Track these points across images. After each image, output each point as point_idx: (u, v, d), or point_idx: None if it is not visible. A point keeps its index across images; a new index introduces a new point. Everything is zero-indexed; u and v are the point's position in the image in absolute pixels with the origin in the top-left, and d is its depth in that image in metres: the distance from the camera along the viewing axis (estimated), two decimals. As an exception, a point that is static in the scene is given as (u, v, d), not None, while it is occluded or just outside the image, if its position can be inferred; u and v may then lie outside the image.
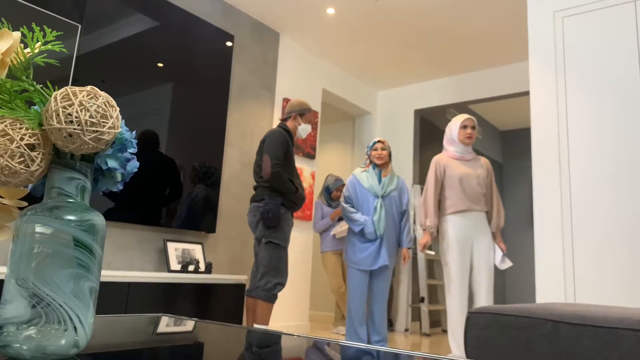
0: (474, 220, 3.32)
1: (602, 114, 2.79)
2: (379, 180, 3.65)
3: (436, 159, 3.47)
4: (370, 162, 3.72)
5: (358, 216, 3.56)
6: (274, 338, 0.88)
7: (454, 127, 3.47)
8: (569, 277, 2.73)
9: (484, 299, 3.24)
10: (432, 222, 3.37)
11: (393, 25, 4.71)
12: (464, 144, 3.42)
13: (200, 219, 3.90)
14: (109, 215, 3.31)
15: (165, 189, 3.67)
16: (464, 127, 3.42)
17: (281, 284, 3.18)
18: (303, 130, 3.49)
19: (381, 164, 3.68)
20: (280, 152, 3.24)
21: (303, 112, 3.48)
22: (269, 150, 3.23)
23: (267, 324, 3.12)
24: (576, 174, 2.82)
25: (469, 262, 3.30)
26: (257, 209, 3.22)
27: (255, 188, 3.36)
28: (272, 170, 3.17)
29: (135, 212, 3.46)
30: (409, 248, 3.64)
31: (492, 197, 3.45)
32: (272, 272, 3.14)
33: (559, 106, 2.93)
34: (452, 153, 3.46)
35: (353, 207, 3.63)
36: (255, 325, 3.08)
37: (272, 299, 3.13)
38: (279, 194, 3.23)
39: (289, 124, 3.47)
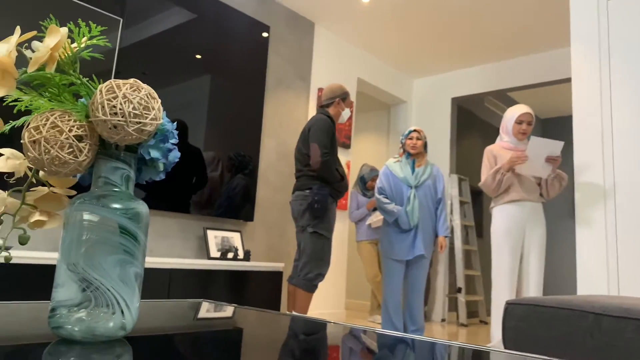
0: (528, 210, 3.24)
1: (650, 100, 2.68)
2: (412, 170, 3.61)
3: (488, 149, 3.38)
4: (404, 151, 3.68)
5: (392, 207, 3.54)
6: (311, 325, 0.89)
7: (509, 119, 3.36)
8: (612, 269, 2.65)
9: (531, 291, 3.18)
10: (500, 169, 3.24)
11: (428, 12, 4.63)
12: (517, 138, 3.33)
13: (238, 207, 3.97)
14: (151, 204, 3.40)
15: (193, 178, 3.74)
16: (519, 122, 3.32)
17: (322, 275, 3.17)
18: (346, 114, 3.46)
19: (415, 154, 3.63)
20: (327, 140, 3.19)
21: (345, 97, 3.44)
22: (316, 138, 3.17)
23: (305, 313, 3.11)
24: (620, 163, 2.72)
25: (520, 252, 3.23)
26: (304, 198, 3.18)
27: (298, 177, 3.31)
28: (322, 159, 3.13)
29: (176, 201, 3.54)
30: (445, 237, 3.60)
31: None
32: (314, 262, 3.14)
33: (603, 93, 2.83)
34: (505, 143, 3.38)
35: (387, 197, 3.61)
36: (294, 313, 3.08)
37: (312, 289, 3.14)
38: (326, 183, 3.20)
39: (332, 110, 3.41)
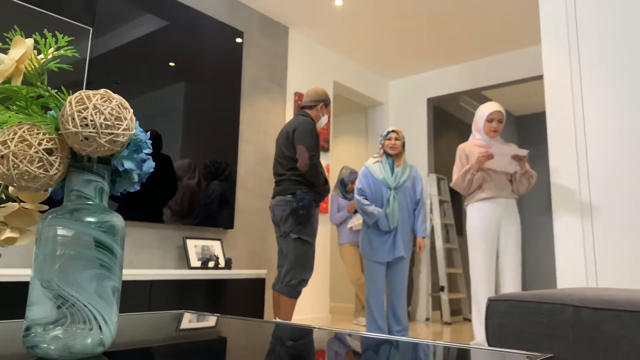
0: (502, 206, 3.28)
1: (619, 96, 2.74)
2: (392, 172, 3.63)
3: (461, 147, 3.43)
4: (384, 152, 3.70)
5: (372, 209, 3.54)
6: (296, 331, 0.88)
7: (480, 117, 3.40)
8: (590, 262, 2.70)
9: (510, 285, 3.22)
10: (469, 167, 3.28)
11: (402, 14, 4.67)
12: (488, 136, 3.38)
13: (218, 215, 3.93)
14: (128, 216, 3.35)
15: (165, 187, 3.70)
16: (490, 120, 3.36)
17: (305, 280, 3.14)
18: (324, 120, 3.44)
19: (394, 154, 3.65)
20: (313, 142, 3.14)
21: (328, 103, 3.42)
22: (303, 140, 3.10)
23: (289, 319, 3.11)
24: (594, 157, 2.78)
25: (496, 248, 3.28)
26: (287, 203, 3.12)
27: (280, 181, 3.24)
28: (310, 161, 3.07)
29: (152, 211, 3.50)
30: (424, 237, 3.62)
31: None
32: (298, 268, 3.10)
33: (574, 89, 2.89)
34: (477, 141, 3.42)
35: (367, 199, 3.62)
36: (278, 320, 3.02)
37: (295, 295, 3.11)
38: (310, 188, 3.15)
39: (312, 113, 3.35)
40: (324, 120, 3.43)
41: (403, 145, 3.69)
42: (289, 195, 3.14)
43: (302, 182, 3.16)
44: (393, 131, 3.66)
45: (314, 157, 3.10)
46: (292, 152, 3.18)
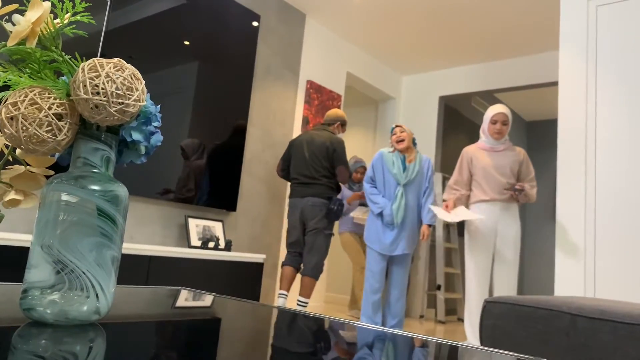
0: (499, 209, 3.28)
1: (633, 108, 2.71)
2: (404, 167, 3.58)
3: (465, 150, 3.45)
4: (395, 149, 3.67)
5: (379, 199, 3.52)
6: (290, 316, 0.89)
7: (486, 119, 3.41)
8: (590, 272, 2.69)
9: (504, 289, 3.22)
10: (457, 196, 3.39)
11: (420, 10, 4.63)
12: (493, 138, 3.37)
13: (221, 197, 3.94)
14: (132, 189, 3.36)
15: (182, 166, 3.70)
16: (493, 122, 3.35)
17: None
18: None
19: (403, 148, 3.59)
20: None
21: (344, 124, 4.08)
22: (344, 162, 3.84)
23: (309, 297, 3.79)
24: (602, 168, 2.76)
25: (492, 251, 3.27)
26: (324, 205, 3.78)
27: (314, 184, 3.82)
28: (349, 179, 3.94)
29: (157, 187, 3.51)
30: (429, 225, 3.53)
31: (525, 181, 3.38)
32: (324, 257, 3.82)
33: (588, 98, 2.86)
34: (483, 144, 3.42)
35: (375, 187, 3.59)
36: (299, 298, 3.79)
37: (318, 277, 3.81)
38: (337, 193, 3.90)
39: (331, 129, 4.01)
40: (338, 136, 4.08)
41: (414, 140, 3.65)
42: (326, 199, 3.80)
43: (334, 189, 3.87)
44: (397, 126, 3.63)
45: (350, 176, 3.94)
46: (329, 165, 3.85)
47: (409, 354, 0.67)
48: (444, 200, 3.50)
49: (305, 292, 3.78)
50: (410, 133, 3.61)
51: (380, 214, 3.56)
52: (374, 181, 3.62)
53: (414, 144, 3.67)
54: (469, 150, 3.42)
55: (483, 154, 3.37)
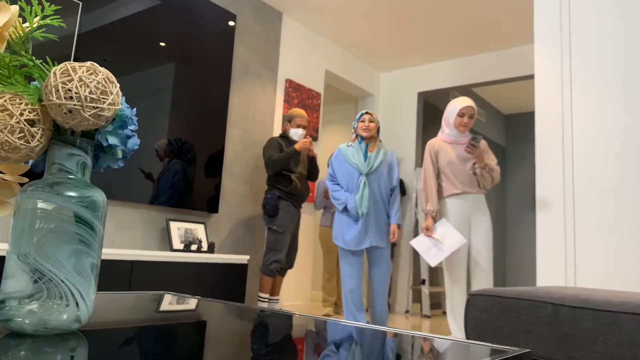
0: (472, 202, 3.31)
1: (608, 98, 2.77)
2: (365, 156, 3.49)
3: (429, 143, 3.41)
4: (357, 135, 3.56)
5: (340, 194, 3.46)
6: (275, 316, 0.88)
7: (451, 111, 3.36)
8: (570, 262, 2.73)
9: (483, 281, 3.25)
10: (433, 206, 3.33)
11: (397, 6, 4.65)
12: (458, 130, 3.36)
13: (203, 198, 3.91)
14: (110, 194, 3.31)
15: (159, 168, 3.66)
16: (461, 115, 3.33)
17: (277, 262, 3.81)
18: (294, 134, 4.05)
19: (368, 137, 3.50)
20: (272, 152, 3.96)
21: (291, 119, 4.10)
22: (264, 157, 3.96)
23: (265, 292, 3.83)
24: (580, 158, 2.81)
25: (467, 243, 3.30)
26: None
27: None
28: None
29: (137, 191, 3.46)
30: (398, 225, 3.47)
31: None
32: (271, 252, 3.81)
33: (564, 90, 2.91)
34: (446, 137, 3.41)
35: (337, 184, 3.53)
36: (259, 293, 3.85)
37: (269, 273, 3.79)
38: (276, 188, 3.93)
39: (284, 129, 4.16)
40: (292, 133, 4.07)
41: (378, 130, 3.58)
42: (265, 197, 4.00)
43: (270, 185, 3.96)
44: (367, 113, 3.51)
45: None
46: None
47: (380, 348, 0.67)
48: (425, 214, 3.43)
49: (260, 288, 3.92)
50: (377, 123, 3.53)
51: (346, 210, 3.50)
52: (334, 178, 3.56)
53: (378, 133, 3.59)
54: (434, 144, 3.40)
55: (448, 147, 3.38)
